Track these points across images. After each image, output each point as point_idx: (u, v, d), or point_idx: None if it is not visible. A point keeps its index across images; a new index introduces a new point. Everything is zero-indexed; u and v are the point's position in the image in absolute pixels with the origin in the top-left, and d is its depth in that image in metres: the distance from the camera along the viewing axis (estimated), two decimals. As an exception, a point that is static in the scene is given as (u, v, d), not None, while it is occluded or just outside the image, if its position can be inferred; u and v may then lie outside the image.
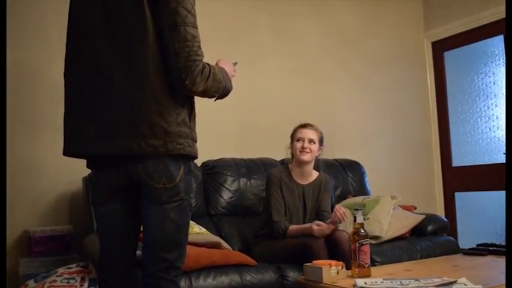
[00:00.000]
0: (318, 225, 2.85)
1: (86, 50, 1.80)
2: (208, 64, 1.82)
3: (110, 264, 1.95)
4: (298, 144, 3.11)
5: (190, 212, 1.91)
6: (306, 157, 3.10)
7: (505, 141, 4.43)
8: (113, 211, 1.88)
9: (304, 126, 3.17)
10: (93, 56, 1.78)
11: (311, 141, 3.11)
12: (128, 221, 1.91)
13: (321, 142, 3.18)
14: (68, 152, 1.86)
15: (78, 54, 1.83)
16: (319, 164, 3.26)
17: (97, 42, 1.77)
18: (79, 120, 1.80)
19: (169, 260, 1.82)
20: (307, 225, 2.94)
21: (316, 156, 3.18)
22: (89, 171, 2.06)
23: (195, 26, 1.77)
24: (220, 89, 1.89)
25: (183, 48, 1.72)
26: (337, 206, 2.88)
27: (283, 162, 3.53)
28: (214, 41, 3.83)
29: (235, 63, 2.10)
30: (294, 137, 3.17)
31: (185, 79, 1.73)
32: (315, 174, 3.22)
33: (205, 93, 1.84)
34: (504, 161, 4.32)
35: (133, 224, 1.92)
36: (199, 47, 1.77)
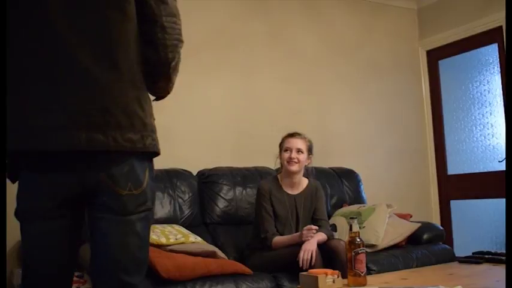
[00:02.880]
0: (309, 229, 2.81)
1: (35, 23, 1.36)
2: None
3: None
4: (286, 155, 3.07)
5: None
6: (294, 167, 3.06)
7: (500, 148, 4.45)
8: (50, 231, 1.43)
9: (291, 135, 3.13)
10: (47, 32, 1.35)
11: (299, 150, 3.07)
12: (69, 242, 1.49)
13: (309, 151, 3.14)
14: (20, 146, 1.36)
15: (24, 31, 1.37)
16: (308, 172, 3.23)
17: (52, 15, 1.35)
18: (34, 107, 1.35)
19: (133, 285, 1.45)
20: (295, 234, 2.92)
21: (306, 165, 3.14)
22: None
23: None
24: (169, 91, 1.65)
25: (172, 24, 1.48)
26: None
27: (279, 170, 3.53)
28: (211, 49, 3.86)
29: None
30: (281, 147, 3.14)
31: (172, 60, 1.50)
32: (305, 182, 3.19)
33: (170, 84, 1.59)
34: (500, 169, 4.33)
35: (74, 244, 1.53)
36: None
